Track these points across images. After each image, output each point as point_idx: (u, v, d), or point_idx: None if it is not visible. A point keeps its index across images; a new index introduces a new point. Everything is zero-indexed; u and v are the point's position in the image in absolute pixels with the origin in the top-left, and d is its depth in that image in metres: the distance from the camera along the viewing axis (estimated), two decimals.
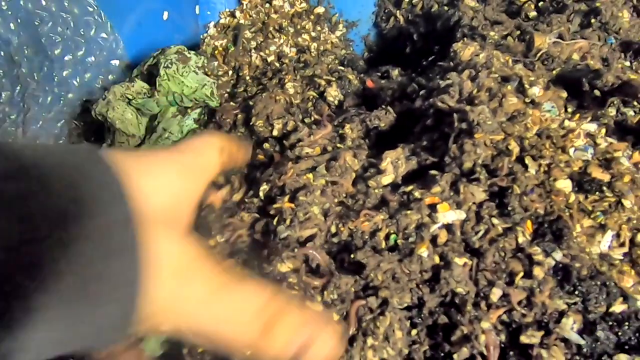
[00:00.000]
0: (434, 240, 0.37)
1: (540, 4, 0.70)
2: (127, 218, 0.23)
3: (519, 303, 0.33)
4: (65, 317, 0.21)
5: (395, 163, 0.43)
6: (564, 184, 0.38)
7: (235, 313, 0.26)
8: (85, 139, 0.83)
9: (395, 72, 0.64)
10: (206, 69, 0.69)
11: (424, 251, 0.35)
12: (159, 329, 0.25)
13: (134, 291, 0.23)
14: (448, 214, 0.38)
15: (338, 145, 0.49)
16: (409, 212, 0.37)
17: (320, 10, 0.90)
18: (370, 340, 0.32)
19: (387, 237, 0.37)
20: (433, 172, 0.42)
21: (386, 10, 0.88)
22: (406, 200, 0.39)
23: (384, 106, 0.52)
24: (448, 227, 0.38)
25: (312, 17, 0.89)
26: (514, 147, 0.41)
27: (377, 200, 0.41)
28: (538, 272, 0.33)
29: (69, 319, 0.21)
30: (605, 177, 0.39)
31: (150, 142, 0.70)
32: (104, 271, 0.22)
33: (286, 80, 0.66)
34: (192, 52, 0.72)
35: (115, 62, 0.93)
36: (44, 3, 0.90)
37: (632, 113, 0.48)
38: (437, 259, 0.36)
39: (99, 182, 0.23)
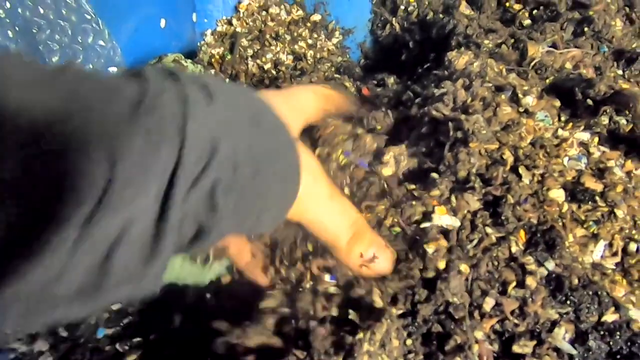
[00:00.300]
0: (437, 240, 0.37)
1: (535, 12, 0.71)
2: (287, 135, 0.32)
3: (512, 313, 0.33)
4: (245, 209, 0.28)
5: (397, 158, 0.44)
6: (557, 194, 0.39)
7: (341, 216, 0.36)
8: None
9: (390, 80, 0.64)
10: None
11: (431, 248, 0.36)
12: (293, 217, 0.34)
13: (295, 182, 0.32)
14: (444, 218, 0.38)
15: None
16: (414, 202, 0.40)
17: (316, 17, 0.91)
18: (366, 346, 0.33)
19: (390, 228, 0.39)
20: (434, 174, 0.42)
21: (382, 18, 0.89)
22: (410, 196, 0.41)
23: (383, 109, 0.53)
24: (445, 233, 0.38)
25: (308, 24, 0.90)
26: (508, 157, 0.41)
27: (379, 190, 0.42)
28: (531, 281, 0.34)
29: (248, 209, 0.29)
30: (599, 187, 0.39)
31: None
32: (276, 170, 0.30)
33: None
34: (189, 60, 0.72)
35: (113, 70, 0.93)
36: (41, 11, 0.90)
37: (624, 122, 0.48)
38: (442, 265, 0.36)
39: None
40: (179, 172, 0.23)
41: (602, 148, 0.47)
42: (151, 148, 0.22)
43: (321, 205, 0.35)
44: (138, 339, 0.48)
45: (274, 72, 0.78)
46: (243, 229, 0.31)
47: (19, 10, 0.85)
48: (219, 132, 0.25)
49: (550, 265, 0.34)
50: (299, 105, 0.40)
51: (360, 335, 0.31)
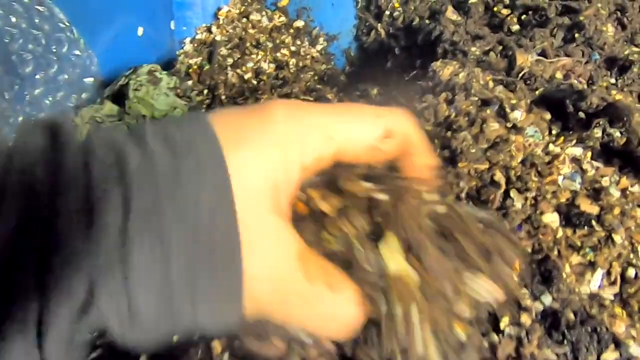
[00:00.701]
0: None
1: (523, 17, 0.68)
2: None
3: (508, 358, 0.30)
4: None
5: None
6: (552, 218, 0.36)
7: (331, 320, 0.25)
8: None
9: (374, 91, 0.62)
10: (178, 90, 0.66)
11: None
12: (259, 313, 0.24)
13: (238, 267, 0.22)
14: None
15: None
16: None
17: (299, 24, 0.88)
18: None
19: None
20: None
21: (367, 24, 0.86)
22: None
23: None
24: None
25: (291, 31, 0.87)
26: (500, 178, 0.39)
27: None
28: (526, 319, 0.31)
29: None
30: (594, 210, 0.37)
31: None
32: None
33: (262, 100, 0.64)
34: (165, 72, 0.69)
35: (89, 80, 0.90)
36: (13, 20, 0.87)
37: (618, 134, 0.46)
38: None
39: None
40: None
41: (596, 163, 0.44)
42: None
43: (308, 308, 0.24)
44: None
45: (254, 82, 0.75)
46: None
47: None
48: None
49: (547, 299, 0.32)
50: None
51: None
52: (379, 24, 0.84)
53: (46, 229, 0.19)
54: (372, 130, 0.26)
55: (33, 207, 0.19)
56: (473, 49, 0.62)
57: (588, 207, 0.37)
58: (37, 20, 0.87)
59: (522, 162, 0.41)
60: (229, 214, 0.21)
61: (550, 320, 0.32)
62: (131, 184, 0.20)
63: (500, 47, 0.62)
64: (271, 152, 0.23)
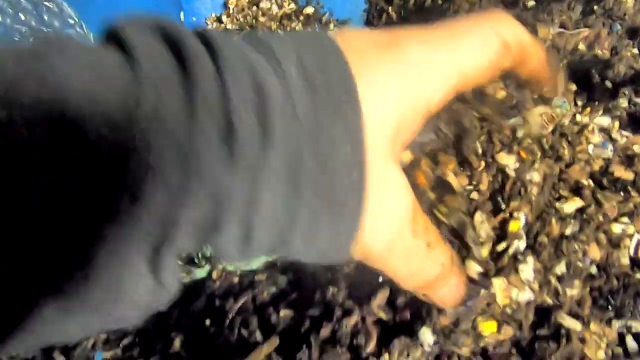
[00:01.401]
0: None
1: None
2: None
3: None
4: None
5: None
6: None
7: (432, 273, 0.26)
8: None
9: None
10: None
11: None
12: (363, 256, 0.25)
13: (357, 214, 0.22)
14: None
15: None
16: None
17: (309, 10, 0.87)
18: None
19: None
20: None
21: (377, 7, 0.85)
22: None
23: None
24: None
25: (301, 18, 0.86)
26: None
27: None
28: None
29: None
30: (629, 176, 0.36)
31: None
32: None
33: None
34: None
35: None
36: (22, 18, 0.87)
37: None
38: None
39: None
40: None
41: (625, 133, 0.44)
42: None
43: (403, 260, 0.25)
44: None
45: None
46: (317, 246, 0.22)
47: (0, 18, 0.82)
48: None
49: (592, 269, 0.31)
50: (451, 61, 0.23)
51: (386, 357, 0.28)
52: (390, 7, 0.83)
53: (183, 160, 0.18)
54: (494, 48, 0.24)
55: (170, 139, 0.18)
56: None
57: (623, 173, 0.36)
58: (46, 17, 0.87)
59: (552, 132, 0.40)
60: (360, 164, 0.21)
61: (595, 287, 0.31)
62: (273, 122, 0.19)
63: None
64: (400, 86, 0.22)
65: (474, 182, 0.30)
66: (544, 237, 0.30)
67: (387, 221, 0.22)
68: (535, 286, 0.29)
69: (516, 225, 0.30)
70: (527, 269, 0.29)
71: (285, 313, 0.36)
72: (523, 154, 0.32)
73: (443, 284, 0.27)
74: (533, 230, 0.31)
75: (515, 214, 0.30)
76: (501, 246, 0.29)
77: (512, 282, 0.29)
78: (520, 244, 0.30)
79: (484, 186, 0.30)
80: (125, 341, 0.48)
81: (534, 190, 0.31)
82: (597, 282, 0.31)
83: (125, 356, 0.46)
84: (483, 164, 0.31)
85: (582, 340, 0.28)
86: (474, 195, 0.29)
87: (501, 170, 0.31)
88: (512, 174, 0.31)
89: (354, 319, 0.31)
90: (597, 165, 0.38)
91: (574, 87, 0.47)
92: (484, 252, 0.29)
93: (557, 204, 0.33)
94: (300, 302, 0.37)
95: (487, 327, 0.28)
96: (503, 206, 0.31)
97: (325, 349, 0.31)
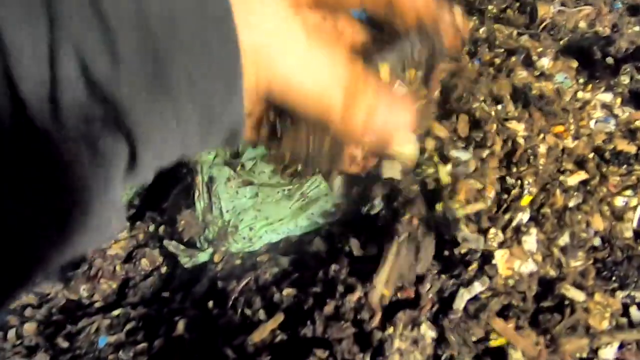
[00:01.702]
0: None
1: None
2: None
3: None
4: None
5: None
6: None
7: (326, 68, 0.21)
8: None
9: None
10: None
11: None
12: (260, 88, 0.20)
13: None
14: None
15: None
16: None
17: None
18: (397, 342, 0.29)
19: None
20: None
21: None
22: None
23: None
24: None
25: None
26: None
27: None
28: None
29: None
30: (632, 149, 0.36)
31: None
32: None
33: None
34: None
35: None
36: None
37: None
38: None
39: None
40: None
41: (627, 108, 0.43)
42: None
43: (294, 55, 0.22)
44: (143, 344, 0.45)
45: None
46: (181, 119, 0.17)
47: None
48: None
49: (597, 241, 0.31)
50: None
51: (390, 330, 0.28)
52: None
53: None
54: None
55: None
56: (490, 7, 0.61)
57: (625, 146, 0.36)
58: None
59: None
60: None
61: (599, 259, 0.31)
62: None
63: (518, 4, 0.61)
64: None
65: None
66: (547, 209, 0.30)
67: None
68: (539, 257, 0.29)
69: (527, 200, 0.30)
70: (531, 239, 0.29)
71: (288, 292, 0.36)
72: None
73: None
74: (537, 201, 0.30)
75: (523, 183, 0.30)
76: (504, 218, 0.29)
77: (515, 254, 0.29)
78: (524, 216, 0.30)
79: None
80: (129, 326, 0.48)
81: (541, 160, 0.31)
82: (600, 254, 0.31)
83: (129, 340, 0.46)
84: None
85: (586, 310, 0.28)
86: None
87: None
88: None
89: (356, 295, 0.31)
90: (600, 139, 0.38)
91: (575, 64, 0.47)
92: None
93: (562, 177, 0.33)
94: (302, 280, 0.37)
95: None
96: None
97: (330, 324, 0.31)
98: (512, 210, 0.29)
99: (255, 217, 0.43)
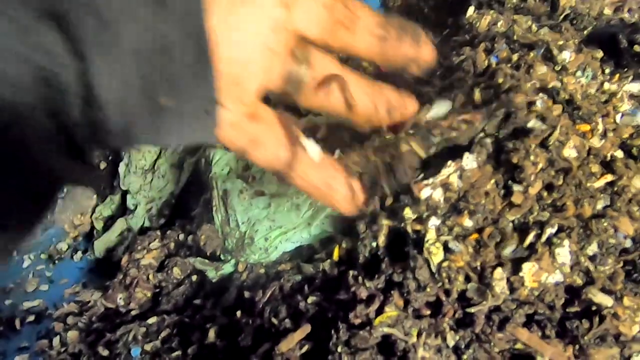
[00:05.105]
0: None
1: None
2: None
3: None
4: None
5: None
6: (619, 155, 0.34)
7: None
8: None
9: None
10: None
11: None
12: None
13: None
14: None
15: None
16: None
17: None
18: (421, 352, 0.30)
19: None
20: None
21: None
22: None
23: None
24: None
25: None
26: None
27: None
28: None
29: None
30: None
31: (166, 156, 0.68)
32: None
33: None
34: None
35: None
36: None
37: None
38: None
39: None
40: None
41: None
42: None
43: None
44: (177, 352, 0.47)
45: None
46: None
47: None
48: None
49: (628, 242, 0.30)
50: None
51: (414, 339, 0.28)
52: None
53: None
54: None
55: None
56: None
57: None
58: None
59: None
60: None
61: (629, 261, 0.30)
62: None
63: None
64: None
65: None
66: (574, 218, 0.30)
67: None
68: (567, 269, 0.29)
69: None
70: (564, 251, 0.28)
71: (312, 299, 0.36)
72: None
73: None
74: (567, 211, 0.30)
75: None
76: (532, 234, 0.29)
77: (544, 267, 0.28)
78: (552, 229, 0.29)
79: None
80: (164, 333, 0.50)
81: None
82: (630, 256, 0.30)
83: (165, 347, 0.48)
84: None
85: (615, 316, 0.28)
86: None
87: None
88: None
89: (377, 303, 0.32)
90: (626, 134, 0.36)
91: (599, 54, 0.45)
92: None
93: (588, 184, 0.32)
94: (325, 287, 0.37)
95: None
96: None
97: (354, 334, 0.31)
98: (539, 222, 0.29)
99: (270, 227, 0.44)
